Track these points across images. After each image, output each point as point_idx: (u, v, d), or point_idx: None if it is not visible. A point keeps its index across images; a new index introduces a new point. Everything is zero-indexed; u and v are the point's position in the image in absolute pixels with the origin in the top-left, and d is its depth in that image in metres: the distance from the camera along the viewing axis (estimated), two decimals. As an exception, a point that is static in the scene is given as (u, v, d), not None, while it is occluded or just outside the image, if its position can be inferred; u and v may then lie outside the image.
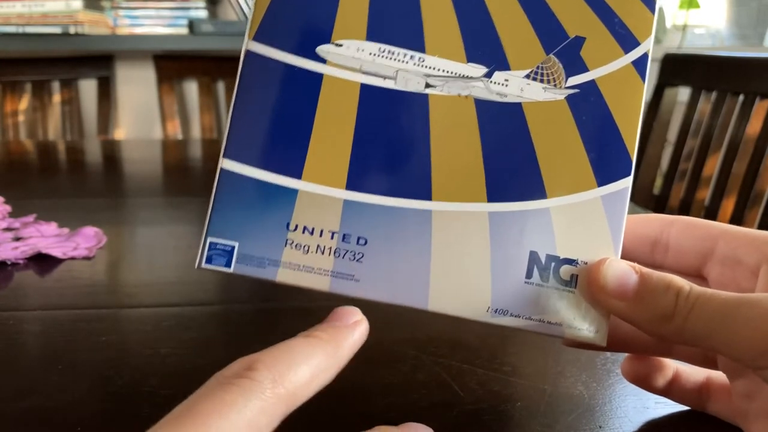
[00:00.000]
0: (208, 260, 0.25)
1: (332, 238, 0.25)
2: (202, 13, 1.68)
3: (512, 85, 0.26)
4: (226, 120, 1.79)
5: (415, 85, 0.26)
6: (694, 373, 0.30)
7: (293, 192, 0.25)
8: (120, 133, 1.86)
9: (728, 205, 1.02)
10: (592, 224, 0.25)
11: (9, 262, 0.48)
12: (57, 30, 1.57)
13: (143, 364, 0.33)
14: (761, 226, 0.94)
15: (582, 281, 0.25)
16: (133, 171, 0.93)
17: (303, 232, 0.25)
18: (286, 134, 0.25)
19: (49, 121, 1.74)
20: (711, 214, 1.04)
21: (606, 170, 0.26)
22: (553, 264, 0.25)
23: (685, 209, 1.10)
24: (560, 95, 0.26)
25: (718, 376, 0.29)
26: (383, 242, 0.25)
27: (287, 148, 0.25)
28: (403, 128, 0.26)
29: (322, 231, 0.25)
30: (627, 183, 0.26)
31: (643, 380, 0.30)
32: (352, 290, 0.25)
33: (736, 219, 1.00)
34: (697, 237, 0.27)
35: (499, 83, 0.26)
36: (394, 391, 0.32)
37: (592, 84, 0.26)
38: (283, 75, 0.26)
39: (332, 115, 0.25)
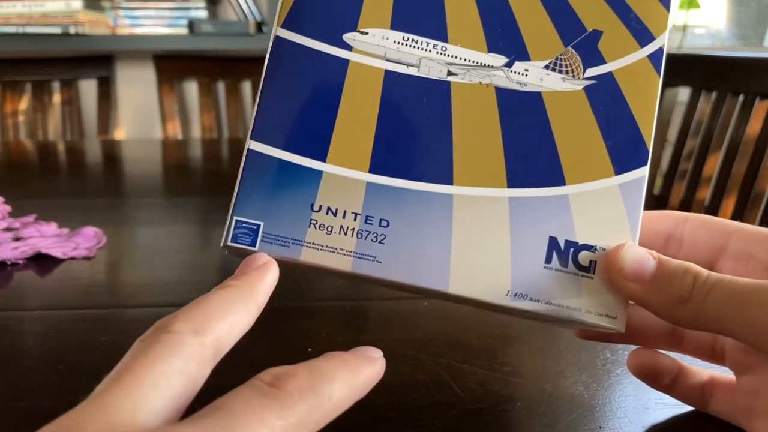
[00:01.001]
0: (234, 239, 0.25)
1: (355, 219, 0.25)
2: (202, 13, 1.68)
3: (532, 75, 0.27)
4: (226, 120, 1.79)
5: (437, 73, 0.26)
6: (698, 372, 0.30)
7: (318, 173, 0.25)
8: (120, 133, 1.85)
9: (728, 205, 1.02)
10: (610, 211, 0.26)
11: (9, 262, 0.48)
12: (57, 30, 1.57)
13: (143, 364, 0.33)
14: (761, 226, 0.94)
15: (600, 267, 0.26)
16: (133, 171, 0.93)
17: (327, 213, 0.25)
18: (312, 118, 0.26)
19: (49, 122, 1.74)
20: (711, 214, 1.04)
21: (623, 159, 0.26)
22: (572, 249, 0.26)
23: (685, 209, 1.10)
24: (578, 86, 0.27)
25: (722, 376, 0.29)
26: (405, 225, 0.25)
27: (313, 131, 0.26)
28: (426, 114, 0.26)
29: (345, 212, 0.25)
30: (644, 172, 0.26)
31: (648, 375, 0.30)
32: (374, 271, 0.25)
33: (736, 219, 1.00)
34: (711, 233, 0.28)
35: (519, 73, 0.27)
36: (394, 391, 0.32)
37: (609, 76, 0.27)
38: (310, 61, 0.26)
39: (357, 100, 0.26)
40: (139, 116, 1.85)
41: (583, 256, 0.26)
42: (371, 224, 0.25)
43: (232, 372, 0.34)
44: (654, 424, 0.29)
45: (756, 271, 0.26)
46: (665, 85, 1.16)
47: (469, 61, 0.26)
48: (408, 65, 0.26)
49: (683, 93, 1.17)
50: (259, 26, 1.66)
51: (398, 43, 0.26)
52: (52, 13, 1.57)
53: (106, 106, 1.77)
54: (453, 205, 0.25)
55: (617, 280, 0.25)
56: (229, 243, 0.25)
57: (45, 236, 0.53)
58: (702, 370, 0.30)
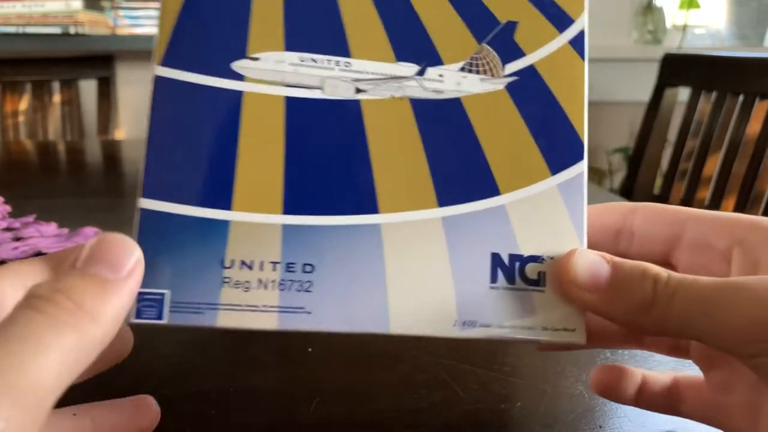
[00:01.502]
0: (138, 314, 0.22)
1: (274, 269, 0.23)
2: (202, 14, 1.68)
3: (448, 80, 0.25)
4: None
5: (344, 92, 0.24)
6: (660, 377, 0.28)
7: (224, 225, 0.23)
8: (120, 133, 1.85)
9: (728, 205, 1.02)
10: (551, 216, 0.24)
11: (9, 262, 0.48)
12: (57, 30, 1.57)
13: (143, 365, 0.33)
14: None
15: (551, 278, 0.24)
16: (133, 171, 0.93)
17: (241, 267, 0.23)
18: (209, 162, 0.23)
19: (49, 122, 1.73)
20: (711, 214, 1.04)
21: (558, 157, 0.24)
22: (517, 264, 0.24)
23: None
24: (499, 84, 0.25)
25: (686, 376, 0.28)
26: (332, 266, 0.23)
27: (212, 177, 0.23)
28: (338, 139, 0.24)
29: (262, 263, 0.23)
30: (582, 167, 0.25)
31: (613, 390, 0.28)
32: (305, 324, 0.22)
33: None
34: (663, 223, 0.26)
35: (433, 80, 0.25)
36: (394, 391, 0.32)
37: (531, 69, 0.25)
38: (197, 98, 0.24)
39: (258, 134, 0.24)
40: (140, 116, 1.85)
41: (531, 269, 0.24)
42: (294, 272, 0.23)
43: (232, 372, 0.34)
44: (654, 424, 0.29)
45: (715, 260, 0.25)
46: (665, 86, 1.16)
47: (377, 74, 0.24)
48: (310, 88, 0.24)
49: (683, 93, 1.17)
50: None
51: (296, 65, 0.24)
52: (52, 13, 1.57)
53: (106, 106, 1.77)
54: (382, 235, 0.23)
55: (571, 291, 0.23)
56: (132, 320, 0.22)
57: (45, 236, 0.53)
58: (663, 374, 0.28)
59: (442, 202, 0.24)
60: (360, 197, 0.24)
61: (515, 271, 0.24)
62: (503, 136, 0.24)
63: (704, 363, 0.27)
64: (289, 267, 0.23)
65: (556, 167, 0.24)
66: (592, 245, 0.26)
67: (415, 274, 0.23)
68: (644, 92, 1.29)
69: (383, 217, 0.23)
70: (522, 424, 0.29)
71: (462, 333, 0.23)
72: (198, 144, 0.23)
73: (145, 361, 0.34)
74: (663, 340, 0.28)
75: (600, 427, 0.29)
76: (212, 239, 0.23)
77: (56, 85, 1.74)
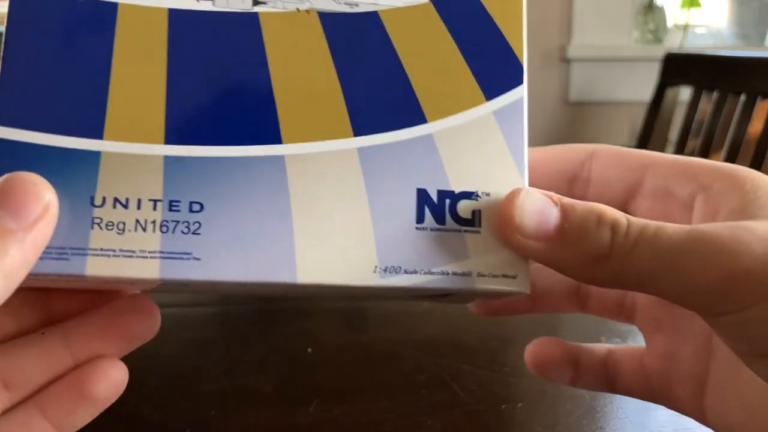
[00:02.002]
0: None
1: (155, 208, 0.19)
2: (203, 13, 1.68)
3: None
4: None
5: (239, 3, 0.21)
6: (594, 349, 0.26)
7: (95, 156, 0.19)
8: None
9: (729, 205, 1.02)
10: (487, 146, 0.21)
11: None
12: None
13: (143, 365, 0.33)
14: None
15: (489, 219, 0.21)
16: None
17: (114, 205, 0.19)
18: (75, 84, 0.19)
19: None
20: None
21: (494, 81, 0.22)
22: (447, 201, 0.21)
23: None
24: None
25: (621, 347, 0.26)
26: (226, 205, 0.19)
27: (79, 101, 0.19)
28: (232, 59, 0.20)
29: (139, 201, 0.19)
30: (521, 92, 0.22)
31: (549, 368, 0.26)
32: (192, 273, 0.19)
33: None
34: (623, 167, 0.23)
35: None
36: (395, 392, 0.32)
37: None
38: (65, 11, 0.20)
39: (136, 53, 0.20)
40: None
41: (463, 207, 0.21)
42: (178, 211, 0.19)
43: (232, 372, 0.34)
44: (655, 424, 0.29)
45: (676, 209, 0.23)
46: (666, 85, 1.16)
47: None
48: None
49: (684, 93, 1.17)
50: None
51: None
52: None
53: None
54: (286, 169, 0.20)
55: (514, 238, 0.20)
56: None
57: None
58: (596, 346, 0.26)
59: (359, 130, 0.21)
60: (259, 125, 0.20)
61: (445, 210, 0.21)
62: (429, 56, 0.21)
63: (650, 326, 0.25)
64: (172, 205, 0.19)
65: (491, 92, 0.22)
66: (545, 189, 0.24)
67: (327, 213, 0.20)
68: (645, 92, 1.29)
69: (287, 147, 0.20)
70: (523, 425, 0.29)
71: (383, 281, 0.20)
72: (62, 62, 0.20)
73: (145, 362, 0.34)
74: (608, 301, 0.26)
75: (601, 428, 0.29)
76: (79, 174, 0.19)
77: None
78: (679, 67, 1.16)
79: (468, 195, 0.21)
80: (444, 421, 0.29)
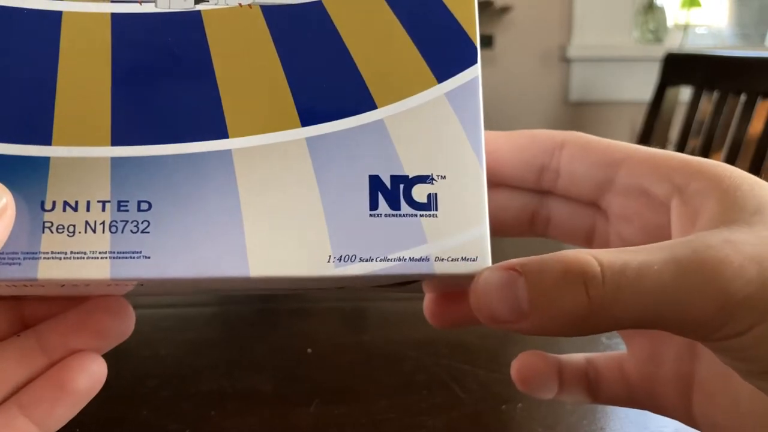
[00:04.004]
0: None
1: (104, 209, 0.19)
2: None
3: None
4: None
5: (181, 3, 0.21)
6: (573, 360, 0.25)
7: (44, 161, 0.19)
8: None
9: (730, 204, 1.02)
10: (441, 129, 0.21)
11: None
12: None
13: (142, 366, 0.33)
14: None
15: (445, 201, 0.20)
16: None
17: (64, 209, 0.19)
18: (23, 93, 0.20)
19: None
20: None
21: (445, 63, 0.21)
22: (402, 186, 0.20)
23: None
24: None
25: (601, 355, 0.25)
26: (174, 202, 0.19)
27: (27, 108, 0.20)
28: (176, 59, 0.20)
29: (88, 203, 0.19)
30: (475, 72, 0.21)
31: (536, 378, 0.25)
32: (143, 271, 0.19)
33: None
34: (594, 163, 0.22)
35: None
36: (395, 392, 0.32)
37: None
38: (10, 21, 0.20)
39: (81, 59, 0.20)
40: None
41: (419, 191, 0.20)
42: (127, 210, 0.19)
43: (232, 373, 0.34)
44: (655, 424, 0.29)
45: (650, 208, 0.22)
46: (667, 85, 1.16)
47: None
48: (141, 1, 0.20)
49: (685, 93, 1.17)
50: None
51: None
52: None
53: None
54: (234, 163, 0.20)
55: (491, 323, 0.19)
56: None
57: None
58: (575, 356, 0.25)
59: (306, 121, 0.20)
60: (204, 121, 0.20)
61: (399, 195, 0.20)
62: (377, 41, 0.21)
63: (630, 331, 0.24)
64: (121, 206, 0.19)
65: (442, 74, 0.21)
66: (510, 181, 0.23)
67: (278, 205, 0.20)
68: (646, 92, 1.29)
69: (234, 141, 0.20)
70: (523, 426, 0.29)
71: (338, 270, 0.19)
72: (9, 72, 0.20)
73: (145, 363, 0.34)
74: (571, 227, 0.25)
75: (601, 428, 0.29)
76: (30, 180, 0.19)
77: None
78: (679, 67, 1.16)
79: (423, 179, 0.20)
80: (444, 421, 0.29)
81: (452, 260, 0.20)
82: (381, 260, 0.20)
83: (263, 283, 0.20)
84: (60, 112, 0.20)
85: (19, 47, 0.20)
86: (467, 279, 0.20)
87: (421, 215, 0.20)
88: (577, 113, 1.91)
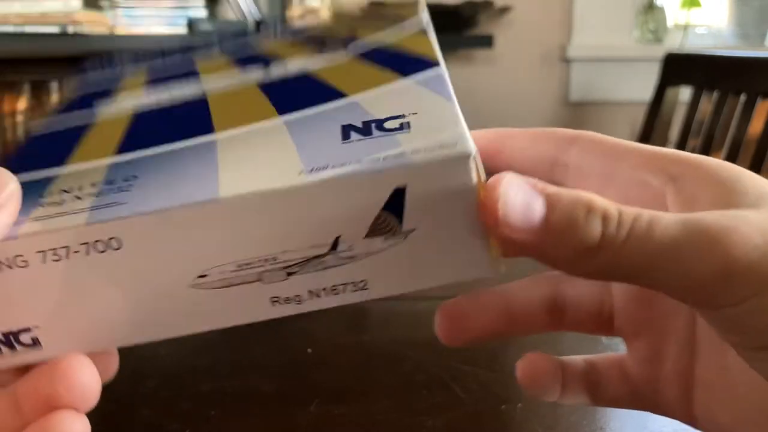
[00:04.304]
0: None
1: (93, 186, 0.20)
2: (202, 13, 1.67)
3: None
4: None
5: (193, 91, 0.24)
6: (574, 360, 0.25)
7: (54, 177, 0.22)
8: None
9: (729, 204, 1.02)
10: (412, 97, 0.22)
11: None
12: (55, 30, 1.57)
13: (142, 366, 0.33)
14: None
15: (419, 124, 0.20)
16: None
17: (60, 194, 0.20)
18: (57, 142, 0.24)
19: (49, 121, 1.73)
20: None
21: (408, 69, 0.24)
22: (373, 124, 0.20)
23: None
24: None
25: (601, 356, 0.25)
26: (157, 170, 0.21)
27: (56, 152, 0.23)
28: (178, 100, 0.26)
29: (81, 186, 0.21)
30: (438, 71, 0.23)
31: (541, 379, 0.25)
32: (117, 213, 0.19)
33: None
34: (600, 155, 0.23)
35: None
36: (395, 392, 0.32)
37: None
38: (62, 111, 0.27)
39: (106, 124, 0.25)
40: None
41: (391, 123, 0.20)
42: (113, 184, 0.20)
43: (232, 372, 0.34)
44: (655, 424, 0.29)
45: (649, 198, 0.22)
46: (667, 85, 1.16)
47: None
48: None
49: (685, 93, 1.17)
50: (259, 26, 1.66)
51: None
52: (51, 13, 1.57)
53: (106, 106, 1.77)
54: (217, 144, 0.21)
55: (497, 231, 0.19)
56: None
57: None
58: (576, 358, 0.25)
59: (284, 112, 0.22)
60: (194, 125, 0.23)
61: (372, 127, 0.20)
62: (347, 74, 0.25)
63: (629, 331, 0.24)
64: (109, 182, 0.21)
65: (407, 73, 0.23)
66: (525, 171, 0.23)
67: (252, 153, 0.21)
68: (645, 92, 1.29)
69: (219, 134, 0.22)
70: (523, 426, 0.29)
71: (310, 178, 0.19)
72: (51, 134, 0.25)
73: (145, 362, 0.34)
74: (584, 315, 0.25)
75: (601, 428, 0.29)
76: (35, 186, 0.21)
77: (55, 85, 1.74)
78: (679, 67, 1.16)
79: (395, 117, 0.21)
80: (444, 421, 0.29)
81: (429, 151, 0.19)
82: (354, 163, 0.19)
83: (231, 209, 0.19)
84: (77, 152, 0.23)
85: (61, 124, 0.25)
86: (450, 164, 0.19)
87: (395, 134, 0.20)
88: (577, 113, 1.91)
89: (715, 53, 1.13)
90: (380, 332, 0.38)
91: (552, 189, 0.19)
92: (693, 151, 1.11)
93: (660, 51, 1.32)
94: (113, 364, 0.22)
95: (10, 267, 0.19)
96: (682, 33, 1.82)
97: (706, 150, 1.08)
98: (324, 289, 0.21)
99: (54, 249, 0.19)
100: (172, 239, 0.20)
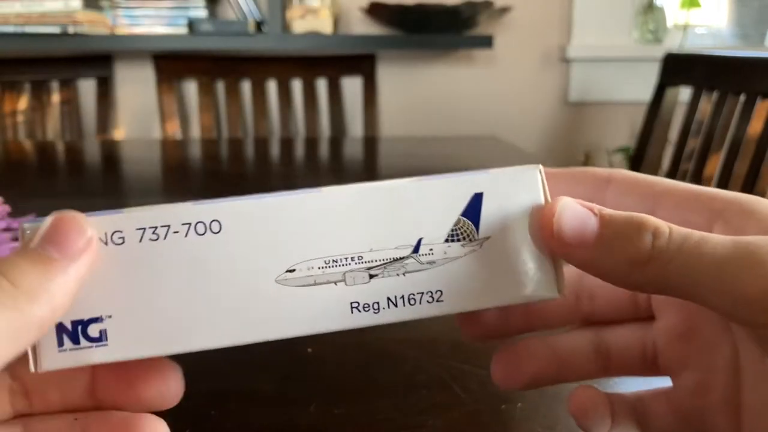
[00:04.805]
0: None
1: None
2: (202, 13, 1.68)
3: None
4: (225, 120, 1.78)
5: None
6: (624, 397, 0.26)
7: None
8: (119, 133, 1.85)
9: (729, 205, 1.01)
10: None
11: None
12: (56, 30, 1.57)
13: (141, 365, 0.33)
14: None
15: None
16: (133, 171, 0.93)
17: None
18: None
19: (48, 121, 1.73)
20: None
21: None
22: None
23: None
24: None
25: (648, 390, 0.26)
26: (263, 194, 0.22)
27: None
28: None
29: None
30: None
31: (594, 412, 0.26)
32: (220, 200, 0.21)
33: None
34: (638, 195, 0.24)
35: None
36: (395, 392, 0.32)
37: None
38: None
39: None
40: (139, 116, 1.85)
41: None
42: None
43: (232, 372, 0.34)
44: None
45: None
46: (666, 85, 1.16)
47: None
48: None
49: (684, 93, 1.17)
50: (259, 26, 1.66)
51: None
52: (51, 13, 1.56)
53: (105, 106, 1.77)
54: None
55: (553, 246, 0.21)
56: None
57: (43, 236, 0.53)
58: (625, 395, 0.26)
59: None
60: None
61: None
62: None
63: (674, 366, 0.25)
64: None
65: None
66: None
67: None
68: (645, 92, 1.29)
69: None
70: (523, 425, 0.29)
71: (402, 180, 0.22)
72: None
73: (144, 362, 0.34)
74: (629, 359, 0.26)
75: (602, 428, 0.29)
76: None
77: (55, 85, 1.74)
78: (679, 67, 1.16)
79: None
80: (444, 421, 0.29)
81: (504, 170, 0.22)
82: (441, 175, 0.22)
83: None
84: None
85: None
86: (526, 190, 0.22)
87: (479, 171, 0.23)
88: (577, 113, 1.91)
89: (714, 53, 1.13)
90: (380, 332, 0.38)
91: (606, 210, 0.21)
92: (692, 151, 1.11)
93: (659, 51, 1.32)
94: (173, 387, 0.23)
95: (105, 243, 0.20)
96: (681, 33, 1.82)
97: (705, 150, 1.08)
98: (402, 297, 0.22)
99: (155, 227, 0.20)
100: (268, 227, 0.21)
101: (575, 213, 0.21)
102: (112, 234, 0.20)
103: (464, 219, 0.22)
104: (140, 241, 0.20)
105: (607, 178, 0.25)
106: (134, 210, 0.20)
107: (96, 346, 0.20)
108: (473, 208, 0.22)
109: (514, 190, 0.22)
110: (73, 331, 0.20)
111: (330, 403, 0.31)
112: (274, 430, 0.29)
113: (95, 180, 0.86)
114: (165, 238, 0.20)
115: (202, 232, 0.20)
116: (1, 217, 0.58)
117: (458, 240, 0.22)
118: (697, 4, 1.80)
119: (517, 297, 0.22)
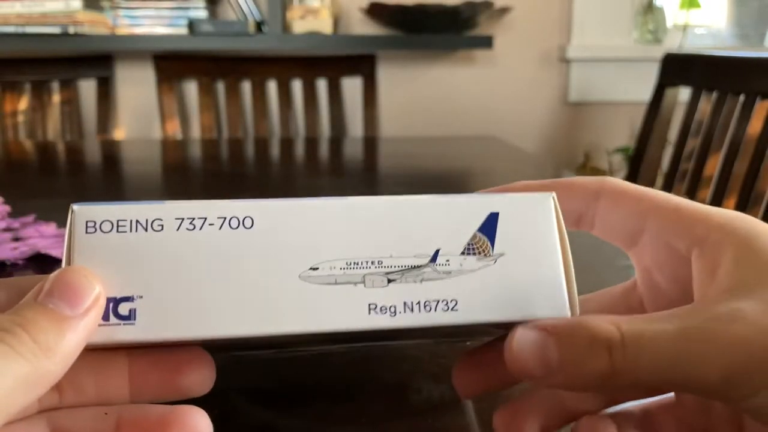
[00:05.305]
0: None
1: None
2: (202, 13, 1.68)
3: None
4: (225, 120, 1.78)
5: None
6: (631, 411, 0.26)
7: None
8: (119, 133, 1.85)
9: (729, 205, 1.02)
10: None
11: (8, 263, 0.48)
12: (56, 30, 1.57)
13: (142, 365, 0.33)
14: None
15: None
16: (133, 171, 0.93)
17: None
18: None
19: (48, 122, 1.73)
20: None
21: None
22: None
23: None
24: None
25: (654, 401, 0.26)
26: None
27: None
28: None
29: None
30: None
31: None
32: (255, 199, 0.23)
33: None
34: (626, 213, 0.24)
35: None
36: (395, 392, 0.32)
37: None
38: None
39: None
40: (139, 116, 1.85)
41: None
42: None
43: (231, 372, 0.34)
44: (656, 425, 0.29)
45: (675, 260, 0.23)
46: (666, 85, 1.16)
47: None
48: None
49: (684, 93, 1.17)
50: (259, 26, 1.66)
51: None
52: (52, 13, 1.57)
53: (106, 106, 1.77)
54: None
55: (523, 376, 0.21)
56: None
57: (44, 236, 0.53)
58: (631, 408, 0.26)
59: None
60: None
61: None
62: None
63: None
64: None
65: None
66: None
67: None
68: (645, 92, 1.29)
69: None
70: (523, 425, 0.29)
71: (427, 195, 0.24)
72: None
73: (145, 362, 0.34)
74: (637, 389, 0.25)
75: (601, 428, 0.29)
76: None
77: (55, 85, 1.74)
78: (679, 68, 1.16)
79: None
80: (444, 421, 0.29)
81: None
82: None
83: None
84: None
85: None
86: (540, 213, 0.23)
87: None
88: (577, 113, 1.91)
89: (714, 53, 1.13)
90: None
91: (559, 327, 0.20)
92: (692, 151, 1.11)
93: (659, 51, 1.32)
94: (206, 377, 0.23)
95: (145, 229, 0.21)
96: (681, 33, 1.82)
97: (705, 150, 1.09)
98: (418, 302, 0.23)
99: (192, 218, 0.22)
100: (297, 227, 0.22)
101: (534, 344, 0.21)
102: (153, 221, 0.21)
103: (480, 235, 0.24)
104: (177, 229, 0.22)
105: (597, 191, 0.25)
106: (175, 202, 0.22)
107: (123, 324, 0.21)
108: (489, 226, 0.24)
109: (530, 213, 0.23)
110: (105, 308, 0.21)
111: (330, 403, 0.31)
112: (274, 430, 0.29)
113: (96, 180, 0.86)
114: (201, 228, 0.22)
115: (235, 226, 0.22)
116: (1, 217, 0.58)
117: (474, 254, 0.23)
118: (697, 5, 1.80)
119: (529, 313, 0.23)
